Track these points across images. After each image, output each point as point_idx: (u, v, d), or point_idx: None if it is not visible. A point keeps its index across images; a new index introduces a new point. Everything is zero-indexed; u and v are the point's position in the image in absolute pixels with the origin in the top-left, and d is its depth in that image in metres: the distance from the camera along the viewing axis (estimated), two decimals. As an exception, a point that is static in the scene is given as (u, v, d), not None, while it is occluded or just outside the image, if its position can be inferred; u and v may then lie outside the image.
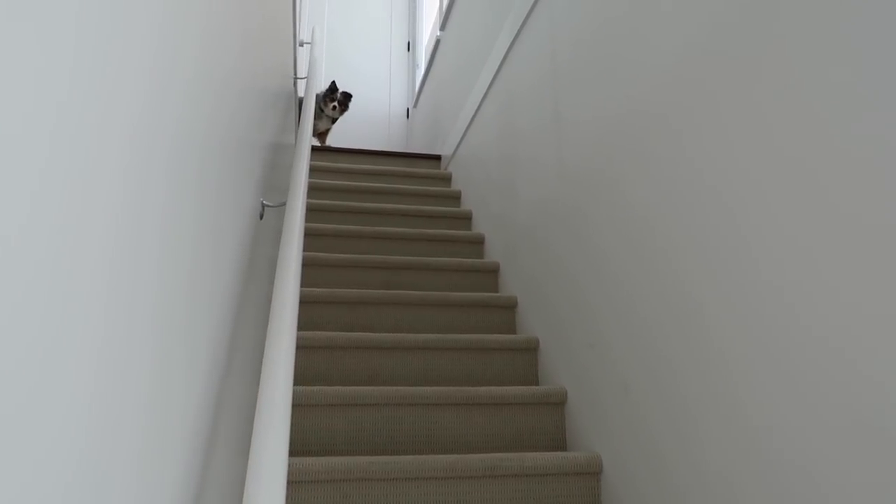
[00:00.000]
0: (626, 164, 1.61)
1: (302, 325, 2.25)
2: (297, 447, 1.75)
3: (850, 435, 0.91)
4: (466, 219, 3.26)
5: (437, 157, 4.19)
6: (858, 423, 0.90)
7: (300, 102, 4.22)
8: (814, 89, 1.00)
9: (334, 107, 3.99)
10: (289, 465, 1.52)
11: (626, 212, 1.60)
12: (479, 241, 2.98)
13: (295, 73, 2.96)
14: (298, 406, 1.78)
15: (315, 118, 4.03)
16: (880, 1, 0.89)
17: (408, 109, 5.79)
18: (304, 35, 3.85)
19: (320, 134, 4.21)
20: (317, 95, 4.03)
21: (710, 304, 1.23)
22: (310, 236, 2.80)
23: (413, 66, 5.79)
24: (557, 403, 1.92)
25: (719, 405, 1.19)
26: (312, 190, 3.37)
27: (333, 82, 4.09)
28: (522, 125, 2.46)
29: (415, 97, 5.43)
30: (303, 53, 3.70)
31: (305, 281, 2.51)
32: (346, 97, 4.07)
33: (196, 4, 0.74)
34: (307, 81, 2.64)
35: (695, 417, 1.26)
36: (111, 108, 0.43)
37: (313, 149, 4.11)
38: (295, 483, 1.52)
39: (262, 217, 1.42)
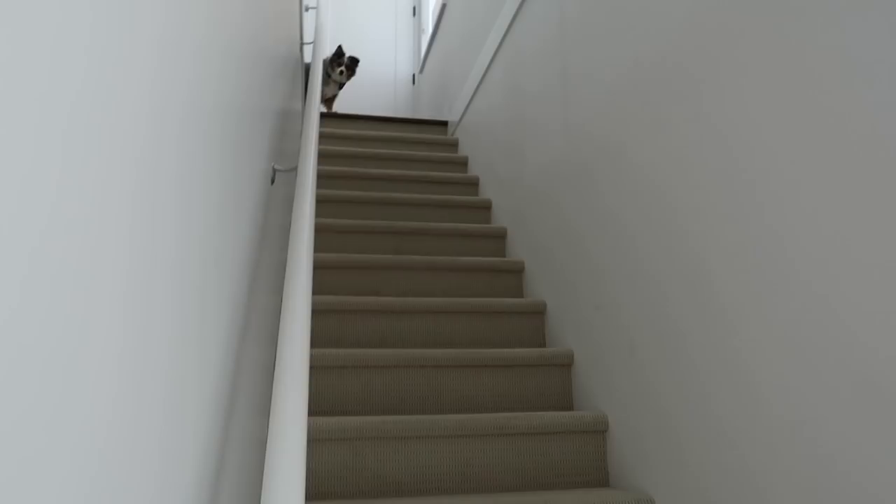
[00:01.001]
0: (635, 122, 1.62)
1: (313, 290, 2.28)
2: (311, 407, 1.80)
3: (848, 394, 0.93)
4: (473, 184, 3.27)
5: (444, 123, 4.18)
6: (856, 383, 0.92)
7: (307, 68, 4.20)
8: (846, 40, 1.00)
9: (341, 72, 3.97)
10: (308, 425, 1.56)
11: (634, 172, 1.61)
12: (486, 207, 2.99)
13: (301, 39, 2.95)
14: (311, 368, 1.82)
15: (322, 84, 4.01)
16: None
17: (413, 75, 5.75)
18: (309, 1, 3.81)
19: (327, 100, 4.20)
20: (323, 61, 4.01)
21: (716, 265, 1.25)
22: (319, 202, 2.82)
23: (419, 30, 5.73)
24: (564, 365, 1.96)
25: (724, 363, 1.22)
26: (320, 157, 3.38)
27: (340, 47, 4.06)
28: (530, 87, 2.46)
29: (421, 62, 5.39)
30: (308, 18, 3.67)
31: (316, 247, 2.54)
32: (353, 62, 4.05)
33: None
34: (314, 47, 2.63)
35: (700, 375, 1.29)
36: (123, 79, 0.45)
37: (321, 115, 4.11)
38: (309, 441, 1.57)
39: (273, 182, 1.44)
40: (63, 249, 0.33)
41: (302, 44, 2.95)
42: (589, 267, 1.86)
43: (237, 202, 0.99)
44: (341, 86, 4.06)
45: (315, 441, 1.57)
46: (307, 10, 3.75)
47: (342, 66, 3.94)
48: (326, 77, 3.94)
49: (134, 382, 0.45)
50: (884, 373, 0.88)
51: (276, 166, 1.43)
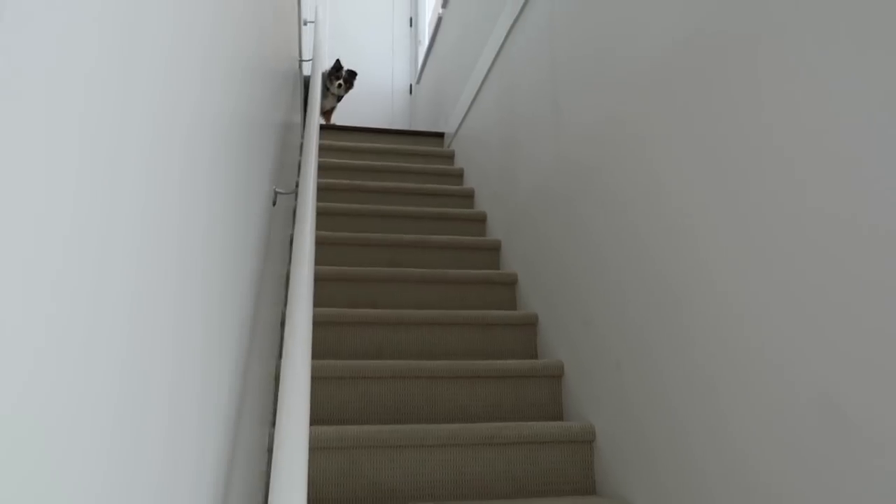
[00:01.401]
0: (613, 154, 1.69)
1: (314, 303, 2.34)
2: (310, 417, 1.86)
3: (812, 422, 1.00)
4: (469, 196, 3.34)
5: (440, 135, 4.25)
6: (819, 414, 0.99)
7: (305, 81, 4.28)
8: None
9: (339, 85, 4.06)
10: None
11: (612, 203, 1.68)
12: (481, 219, 3.06)
13: (300, 54, 3.02)
14: (313, 379, 1.88)
15: (321, 97, 4.09)
16: None
17: (411, 86, 5.82)
18: (307, 14, 3.89)
19: (326, 112, 4.27)
20: (322, 74, 4.09)
21: (683, 291, 1.32)
22: (316, 215, 2.89)
23: (416, 42, 5.81)
24: (555, 376, 2.02)
25: (691, 382, 1.29)
26: (318, 169, 3.45)
27: (338, 60, 4.14)
28: (522, 112, 2.53)
29: (418, 73, 5.46)
30: (307, 33, 3.74)
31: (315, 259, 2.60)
32: (351, 75, 4.12)
33: None
34: (313, 61, 2.70)
35: (671, 393, 1.36)
36: (130, 98, 0.51)
37: (320, 127, 4.18)
38: (310, 450, 1.63)
39: (275, 204, 1.51)
40: (80, 257, 0.38)
41: (301, 59, 3.02)
42: (574, 285, 1.93)
43: (244, 217, 1.05)
44: (339, 98, 4.13)
45: (313, 449, 1.63)
46: (305, 23, 3.83)
47: (340, 79, 4.02)
48: (325, 90, 4.02)
49: (139, 386, 0.51)
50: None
51: (278, 189, 1.50)
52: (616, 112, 1.72)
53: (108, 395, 0.43)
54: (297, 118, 2.21)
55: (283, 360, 0.94)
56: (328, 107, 4.16)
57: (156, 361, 0.55)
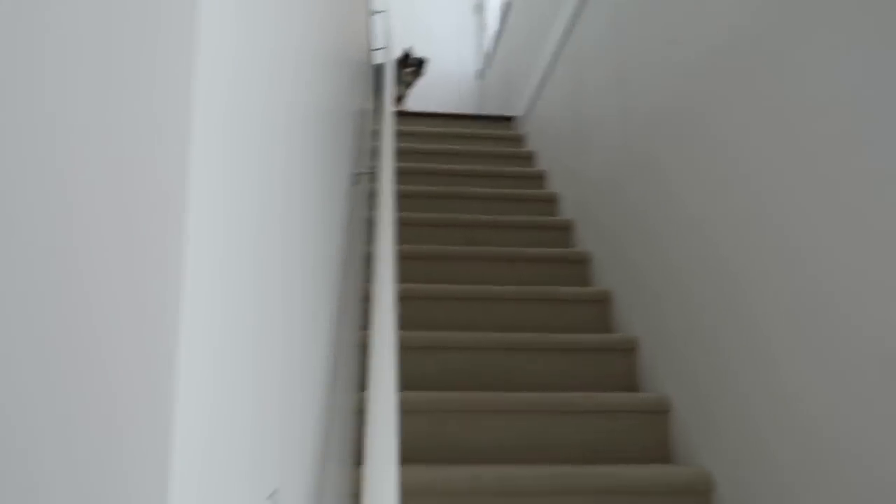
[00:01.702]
0: (677, 138, 1.70)
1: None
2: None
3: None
4: (539, 178, 3.37)
5: (510, 119, 4.29)
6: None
7: (376, 71, 4.39)
8: None
9: (410, 72, 4.16)
10: (387, 400, 1.73)
11: (677, 181, 1.69)
12: (552, 200, 3.09)
13: (370, 43, 3.12)
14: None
15: (392, 84, 4.20)
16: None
17: (478, 71, 5.87)
18: (377, 4, 3.99)
19: (397, 99, 4.37)
20: (392, 62, 4.20)
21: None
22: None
23: (482, 27, 5.85)
24: (629, 350, 2.05)
25: (754, 356, 1.30)
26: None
27: (407, 48, 4.23)
28: (590, 94, 2.55)
29: (486, 58, 5.50)
30: (377, 23, 3.85)
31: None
32: (421, 63, 4.21)
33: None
34: (385, 51, 2.79)
35: (775, 357, 1.38)
36: (247, 97, 0.59)
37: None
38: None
39: (354, 183, 1.60)
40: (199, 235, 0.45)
41: (370, 48, 3.12)
42: (652, 253, 1.95)
43: (331, 198, 1.14)
44: (409, 85, 4.23)
45: (401, 412, 1.73)
46: (375, 13, 3.93)
47: (410, 66, 4.12)
48: (396, 78, 4.12)
49: (265, 350, 0.60)
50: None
51: (357, 170, 1.59)
52: (683, 91, 1.73)
53: (248, 363, 0.51)
54: (370, 105, 2.30)
55: (371, 329, 1.02)
56: (399, 94, 4.26)
57: (273, 330, 0.63)
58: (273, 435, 0.52)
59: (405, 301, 2.25)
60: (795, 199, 1.26)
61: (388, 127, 1.76)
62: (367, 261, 2.17)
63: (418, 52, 4.48)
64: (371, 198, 2.32)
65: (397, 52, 4.29)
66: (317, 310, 0.97)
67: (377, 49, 3.23)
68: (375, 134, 3.93)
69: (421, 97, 5.51)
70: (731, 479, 1.47)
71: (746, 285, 1.43)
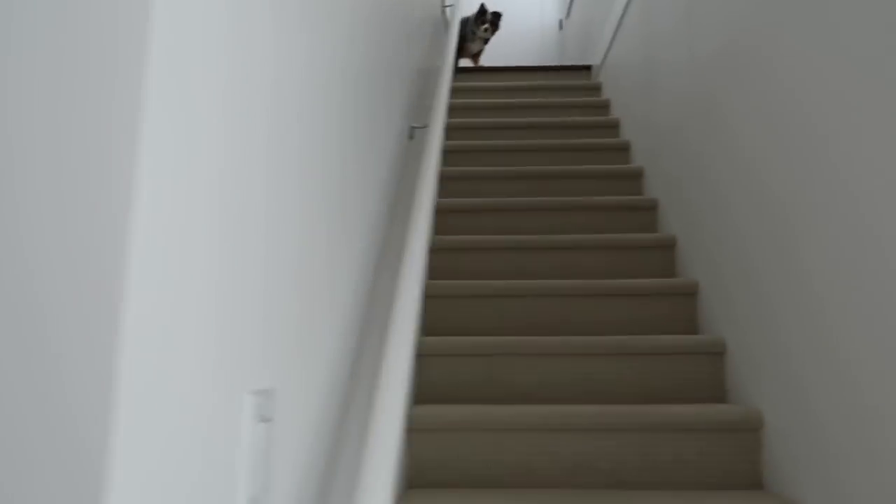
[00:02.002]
0: (741, 79, 1.66)
1: (458, 231, 2.55)
2: (455, 331, 2.08)
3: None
4: (614, 126, 3.34)
5: (588, 68, 4.22)
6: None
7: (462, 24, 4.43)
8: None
9: (486, 28, 4.17)
10: (448, 343, 1.85)
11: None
12: (625, 148, 3.07)
13: (442, 2, 3.16)
14: (451, 297, 2.10)
15: (468, 41, 4.23)
16: None
17: (560, 21, 5.76)
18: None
19: (474, 55, 4.40)
20: (468, 18, 4.21)
21: (813, 199, 1.32)
22: (463, 153, 3.07)
23: (564, -26, 5.71)
24: (689, 294, 2.06)
25: (803, 298, 1.30)
26: (464, 109, 3.62)
27: (483, 4, 4.24)
28: (660, 24, 2.50)
29: (567, 7, 5.39)
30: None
31: (460, 192, 2.80)
32: (496, 17, 4.21)
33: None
34: (453, 8, 2.84)
35: (820, 302, 1.38)
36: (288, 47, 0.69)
37: (468, 70, 4.34)
38: (451, 356, 1.84)
39: (411, 137, 1.69)
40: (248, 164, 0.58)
41: (444, 6, 3.16)
42: (713, 200, 1.93)
43: (374, 148, 1.24)
44: (486, 41, 4.24)
45: (454, 356, 1.84)
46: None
47: (486, 22, 4.13)
48: (472, 33, 4.14)
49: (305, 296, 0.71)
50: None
51: (413, 124, 1.68)
52: (749, 28, 1.69)
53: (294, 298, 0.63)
54: (441, 61, 2.36)
55: (399, 275, 1.11)
56: (476, 49, 4.29)
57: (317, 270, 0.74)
58: (257, 332, 0.60)
59: (470, 252, 2.34)
60: (860, 142, 1.24)
61: (445, 85, 1.83)
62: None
63: (493, 6, 4.47)
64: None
65: (473, 8, 4.31)
66: (352, 250, 1.08)
67: (449, 6, 3.27)
68: (453, 91, 4.00)
69: (504, 51, 5.49)
70: (779, 418, 1.48)
71: (799, 231, 1.42)
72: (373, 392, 0.87)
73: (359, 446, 0.87)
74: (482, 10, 4.21)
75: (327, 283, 0.84)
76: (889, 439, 1.07)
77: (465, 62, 4.49)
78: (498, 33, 5.55)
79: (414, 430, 1.61)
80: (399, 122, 1.55)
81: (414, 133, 1.69)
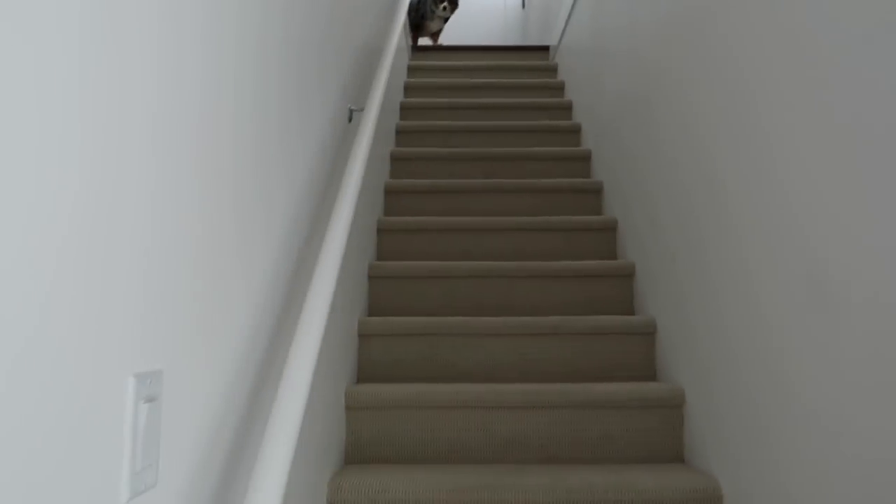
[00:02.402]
0: (681, 57, 1.71)
1: (408, 212, 2.58)
2: (399, 311, 2.12)
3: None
4: (567, 109, 3.38)
5: (546, 48, 4.24)
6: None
7: (416, 6, 4.41)
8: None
9: (444, 7, 4.15)
10: (388, 323, 1.88)
11: (679, 105, 1.71)
12: (576, 130, 3.11)
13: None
14: (401, 278, 2.13)
15: (427, 19, 4.21)
16: None
17: (523, 0, 5.76)
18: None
19: (433, 34, 4.39)
20: (418, 4, 4.20)
21: (734, 188, 1.38)
22: (417, 133, 3.09)
23: (527, -48, 5.70)
24: (627, 275, 2.13)
25: (734, 275, 1.36)
26: (422, 89, 3.62)
27: None
28: (608, 15, 2.53)
29: (529, -14, 5.40)
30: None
31: (410, 174, 2.83)
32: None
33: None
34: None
35: (715, 285, 1.44)
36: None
37: (427, 48, 4.33)
38: (393, 336, 1.88)
39: (350, 120, 1.70)
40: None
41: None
42: (647, 186, 1.99)
43: (303, 132, 1.26)
44: (446, 20, 4.23)
45: (400, 336, 1.88)
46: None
47: (444, 1, 4.11)
48: (431, 13, 4.13)
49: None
50: None
51: (352, 107, 1.69)
52: (688, 6, 1.73)
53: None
54: (395, 41, 2.35)
55: (318, 257, 1.12)
56: (435, 28, 4.28)
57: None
58: (142, 316, 0.60)
59: (419, 233, 2.38)
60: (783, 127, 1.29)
61: (385, 66, 1.84)
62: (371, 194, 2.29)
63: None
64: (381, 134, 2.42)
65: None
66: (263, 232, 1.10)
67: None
68: (410, 70, 3.99)
69: (467, 29, 5.49)
70: (698, 396, 1.55)
71: (733, 208, 1.47)
72: (281, 368, 0.89)
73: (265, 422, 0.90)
74: None
75: (241, 267, 0.86)
76: (801, 417, 1.14)
77: (425, 41, 4.48)
78: (463, 11, 5.55)
79: (352, 408, 1.65)
80: (336, 104, 1.56)
81: (352, 115, 1.70)
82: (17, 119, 0.43)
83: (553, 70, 3.91)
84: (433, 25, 4.22)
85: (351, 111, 1.71)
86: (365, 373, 1.88)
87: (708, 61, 1.50)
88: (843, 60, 0.97)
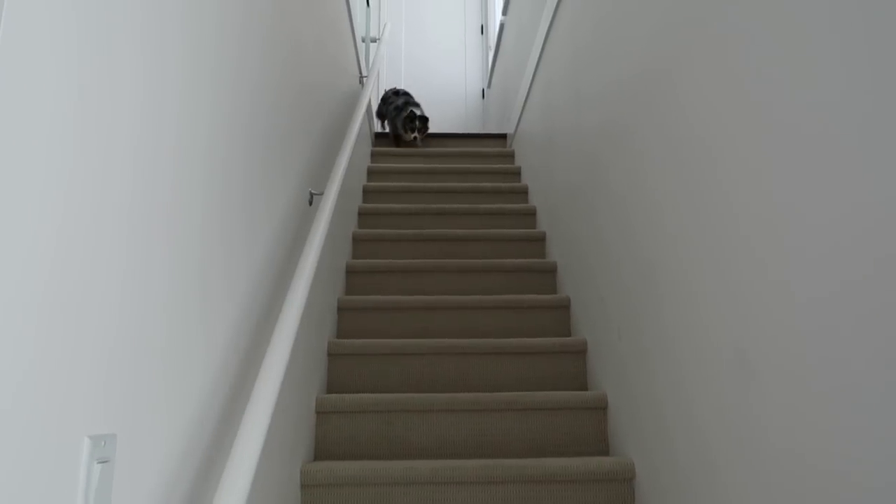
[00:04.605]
0: (614, 151, 1.85)
1: (367, 291, 2.64)
2: (358, 388, 2.14)
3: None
4: (524, 193, 3.53)
5: (504, 136, 4.46)
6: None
7: (384, 98, 4.59)
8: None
9: (415, 137, 4.34)
10: (345, 400, 1.91)
11: (613, 195, 1.85)
12: (532, 213, 3.25)
13: (360, 71, 3.32)
14: (358, 356, 2.17)
15: (402, 136, 4.37)
16: None
17: (483, 90, 6.06)
18: (375, 31, 4.22)
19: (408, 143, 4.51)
20: (395, 119, 4.37)
21: (663, 276, 1.48)
22: (379, 215, 3.19)
23: (486, 48, 6.05)
24: (579, 352, 2.20)
25: (664, 349, 1.44)
26: (381, 174, 3.77)
27: (412, 111, 4.34)
28: (556, 107, 2.71)
29: (488, 77, 5.70)
30: (375, 50, 4.06)
31: (372, 254, 2.91)
32: (424, 122, 4.37)
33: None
34: (368, 79, 3.00)
35: (650, 360, 1.52)
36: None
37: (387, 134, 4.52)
38: (350, 413, 1.90)
39: (311, 203, 1.79)
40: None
41: (361, 76, 3.32)
42: (592, 267, 2.10)
43: (266, 216, 1.33)
44: (417, 140, 4.40)
45: (354, 413, 1.90)
46: (374, 41, 4.15)
47: (415, 130, 4.32)
48: (404, 132, 4.32)
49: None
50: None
51: (312, 190, 1.78)
52: (614, 113, 1.88)
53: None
54: (356, 129, 2.47)
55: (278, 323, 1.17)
56: (409, 139, 4.40)
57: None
58: (101, 383, 0.64)
59: (376, 312, 2.43)
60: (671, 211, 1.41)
61: (345, 154, 1.95)
62: (332, 273, 2.36)
63: (418, 76, 4.67)
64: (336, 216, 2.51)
65: (401, 86, 4.48)
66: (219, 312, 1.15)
67: (364, 76, 3.43)
68: (373, 155, 4.15)
69: (431, 114, 5.72)
70: (646, 467, 1.60)
71: (662, 288, 1.57)
72: (234, 437, 0.93)
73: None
74: (411, 115, 4.32)
75: (202, 339, 0.91)
76: (728, 483, 1.20)
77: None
78: (426, 99, 5.81)
79: (307, 486, 1.66)
80: (297, 188, 1.65)
81: (313, 199, 1.79)
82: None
83: (510, 156, 4.09)
84: (406, 138, 4.37)
85: (311, 194, 1.79)
86: (322, 449, 1.89)
87: (634, 159, 1.64)
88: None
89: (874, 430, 0.80)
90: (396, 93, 4.67)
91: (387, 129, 4.58)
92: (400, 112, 4.37)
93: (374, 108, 4.55)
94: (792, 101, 0.97)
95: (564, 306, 2.45)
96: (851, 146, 0.84)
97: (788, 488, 0.98)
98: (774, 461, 1.02)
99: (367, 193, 3.48)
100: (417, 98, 4.71)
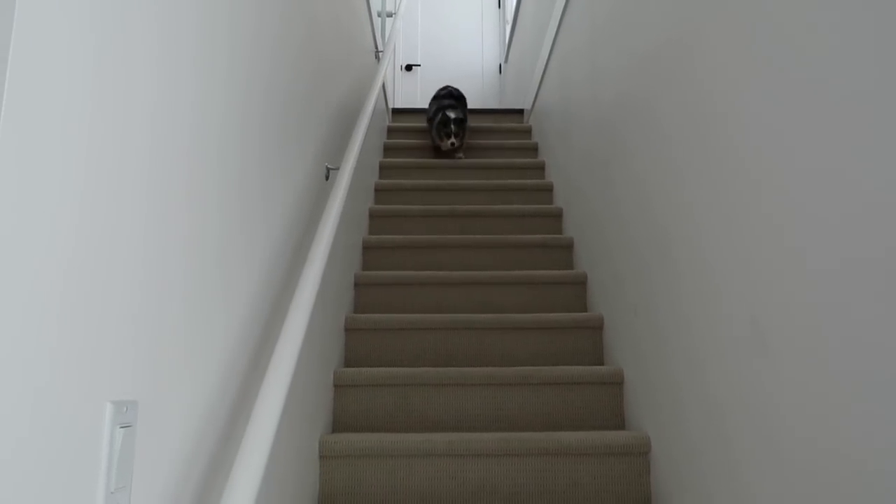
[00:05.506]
0: (634, 122, 1.83)
1: (383, 267, 2.65)
2: (375, 362, 2.16)
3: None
4: (541, 168, 3.51)
5: (521, 111, 4.42)
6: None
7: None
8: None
9: (452, 143, 3.57)
10: (362, 374, 1.92)
11: (632, 164, 1.83)
12: (549, 189, 3.23)
13: (376, 46, 3.30)
14: (375, 330, 2.18)
15: (440, 143, 3.64)
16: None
17: (500, 65, 6.00)
18: (390, 6, 4.18)
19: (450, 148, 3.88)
20: (431, 126, 3.70)
21: (680, 251, 1.47)
22: (395, 191, 3.19)
23: (503, 22, 5.97)
24: (597, 327, 2.19)
25: (679, 327, 1.44)
26: (397, 150, 3.76)
27: (445, 113, 3.59)
28: (573, 80, 2.68)
29: (506, 52, 5.64)
30: (391, 24, 4.02)
31: (391, 230, 2.91)
32: (460, 125, 3.60)
33: None
34: (384, 53, 2.98)
35: (665, 337, 1.52)
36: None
37: (406, 111, 4.49)
38: (367, 387, 1.92)
39: (327, 178, 1.79)
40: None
41: (377, 51, 3.30)
42: (606, 246, 2.09)
43: (280, 188, 1.34)
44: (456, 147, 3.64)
45: (371, 387, 1.92)
46: (390, 15, 4.11)
47: (450, 136, 3.56)
48: (440, 139, 3.62)
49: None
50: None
51: (329, 165, 1.78)
52: (633, 86, 1.86)
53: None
54: (372, 105, 2.45)
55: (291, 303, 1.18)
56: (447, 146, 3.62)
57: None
58: (124, 349, 0.65)
59: (394, 287, 2.44)
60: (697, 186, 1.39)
61: (361, 128, 1.95)
62: (350, 250, 2.37)
63: (434, 44, 4.60)
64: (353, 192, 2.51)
65: (414, 59, 4.43)
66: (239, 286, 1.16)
67: (380, 50, 3.40)
68: (389, 131, 4.14)
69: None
70: (662, 441, 1.61)
71: (679, 266, 1.56)
72: (254, 404, 0.94)
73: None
74: (444, 118, 3.56)
75: (222, 308, 0.93)
76: (742, 460, 1.20)
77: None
78: (442, 75, 5.77)
79: (326, 457, 1.68)
80: (313, 163, 1.65)
81: (329, 174, 1.79)
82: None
83: (527, 132, 4.06)
84: (445, 146, 3.63)
85: (328, 169, 1.79)
86: (340, 422, 1.91)
87: (653, 132, 1.62)
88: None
89: (889, 408, 0.79)
90: (443, 94, 3.89)
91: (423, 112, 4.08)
92: (435, 116, 3.65)
93: (390, 83, 4.51)
94: (816, 64, 0.95)
95: (581, 282, 2.45)
96: (884, 105, 0.82)
97: (800, 466, 0.98)
98: (789, 434, 1.02)
99: (384, 170, 3.47)
100: (449, 81, 4.34)
